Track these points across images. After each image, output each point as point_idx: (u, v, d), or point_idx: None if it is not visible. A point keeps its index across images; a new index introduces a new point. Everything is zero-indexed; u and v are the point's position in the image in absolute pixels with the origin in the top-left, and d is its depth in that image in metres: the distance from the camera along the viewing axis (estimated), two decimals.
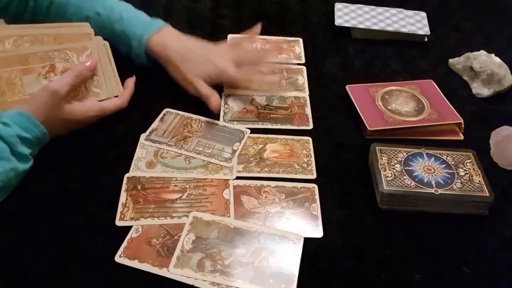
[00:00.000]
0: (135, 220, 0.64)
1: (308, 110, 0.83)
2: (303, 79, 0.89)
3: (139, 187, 0.68)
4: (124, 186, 0.68)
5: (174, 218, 0.64)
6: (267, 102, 0.83)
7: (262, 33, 0.97)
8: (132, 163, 0.72)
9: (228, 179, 0.70)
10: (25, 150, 0.66)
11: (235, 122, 0.80)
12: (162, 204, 0.66)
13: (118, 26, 0.83)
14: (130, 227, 0.63)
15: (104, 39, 0.79)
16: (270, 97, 0.85)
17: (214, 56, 0.83)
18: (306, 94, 0.86)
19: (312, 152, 0.75)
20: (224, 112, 0.81)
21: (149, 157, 0.73)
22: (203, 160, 0.73)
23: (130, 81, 0.80)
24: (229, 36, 0.98)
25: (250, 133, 0.78)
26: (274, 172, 0.71)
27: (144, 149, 0.74)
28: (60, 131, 0.72)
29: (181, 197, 0.67)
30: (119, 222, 0.64)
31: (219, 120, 0.80)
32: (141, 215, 0.65)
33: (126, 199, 0.67)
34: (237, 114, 0.81)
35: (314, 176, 0.71)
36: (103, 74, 0.77)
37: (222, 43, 0.89)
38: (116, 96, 0.78)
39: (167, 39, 0.83)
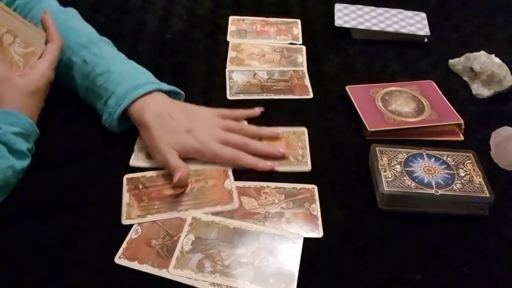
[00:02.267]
0: (141, 217, 0.64)
1: (307, 81, 0.88)
2: (302, 58, 0.93)
3: (140, 186, 0.68)
4: (125, 187, 0.68)
5: (181, 212, 0.65)
6: (268, 76, 0.88)
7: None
8: (133, 153, 0.72)
9: (227, 169, 0.70)
10: (21, 146, 0.65)
11: (241, 95, 0.84)
12: (167, 200, 0.67)
13: (100, 79, 0.74)
14: (131, 228, 0.63)
15: (83, 89, 0.75)
16: (270, 71, 0.90)
17: (198, 127, 0.71)
18: (303, 68, 0.91)
19: (307, 144, 0.76)
20: (230, 86, 0.86)
21: None
22: None
23: (46, 18, 0.74)
24: (231, 18, 1.02)
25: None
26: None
27: None
28: (36, 105, 0.70)
29: (184, 191, 0.68)
30: (125, 221, 0.64)
31: (225, 94, 0.84)
32: (147, 211, 0.65)
33: (130, 198, 0.67)
34: (242, 87, 0.86)
35: (309, 168, 0.72)
36: (21, 32, 0.72)
37: (210, 110, 0.76)
38: (47, 42, 0.74)
39: (149, 102, 0.72)
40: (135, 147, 0.73)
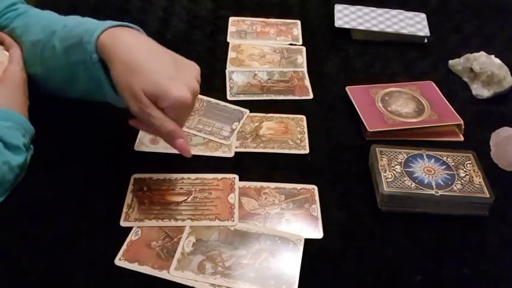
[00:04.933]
0: (139, 221, 0.64)
1: (307, 82, 0.88)
2: (302, 59, 0.94)
3: (145, 188, 0.68)
4: (130, 187, 0.68)
5: (178, 221, 0.64)
6: (268, 77, 0.89)
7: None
8: (137, 139, 0.75)
9: (234, 182, 0.70)
10: (16, 140, 0.65)
11: (241, 95, 0.84)
12: (167, 207, 0.66)
13: (76, 30, 0.68)
14: (131, 229, 0.63)
15: (65, 50, 0.69)
16: (270, 72, 0.90)
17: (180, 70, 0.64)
18: (303, 68, 0.91)
19: (305, 129, 0.78)
20: (230, 87, 0.86)
21: None
22: (204, 138, 0.75)
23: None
24: (231, 19, 1.03)
25: (252, 109, 0.81)
26: (269, 148, 0.75)
27: None
28: (22, 100, 0.71)
29: (186, 199, 0.67)
30: (123, 223, 0.64)
31: (225, 94, 0.84)
32: (145, 216, 0.65)
33: (132, 200, 0.67)
34: (242, 88, 0.86)
35: (307, 151, 0.75)
36: None
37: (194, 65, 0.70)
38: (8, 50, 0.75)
39: (124, 33, 0.64)
40: (140, 133, 0.75)
